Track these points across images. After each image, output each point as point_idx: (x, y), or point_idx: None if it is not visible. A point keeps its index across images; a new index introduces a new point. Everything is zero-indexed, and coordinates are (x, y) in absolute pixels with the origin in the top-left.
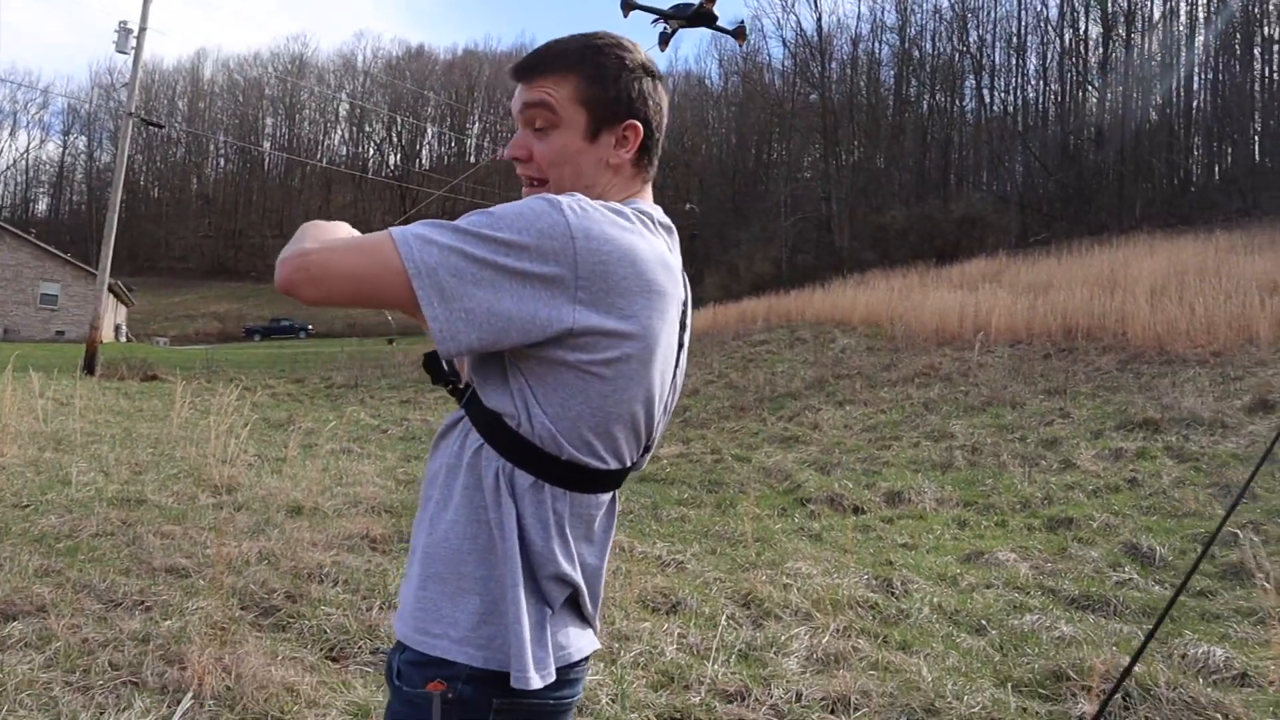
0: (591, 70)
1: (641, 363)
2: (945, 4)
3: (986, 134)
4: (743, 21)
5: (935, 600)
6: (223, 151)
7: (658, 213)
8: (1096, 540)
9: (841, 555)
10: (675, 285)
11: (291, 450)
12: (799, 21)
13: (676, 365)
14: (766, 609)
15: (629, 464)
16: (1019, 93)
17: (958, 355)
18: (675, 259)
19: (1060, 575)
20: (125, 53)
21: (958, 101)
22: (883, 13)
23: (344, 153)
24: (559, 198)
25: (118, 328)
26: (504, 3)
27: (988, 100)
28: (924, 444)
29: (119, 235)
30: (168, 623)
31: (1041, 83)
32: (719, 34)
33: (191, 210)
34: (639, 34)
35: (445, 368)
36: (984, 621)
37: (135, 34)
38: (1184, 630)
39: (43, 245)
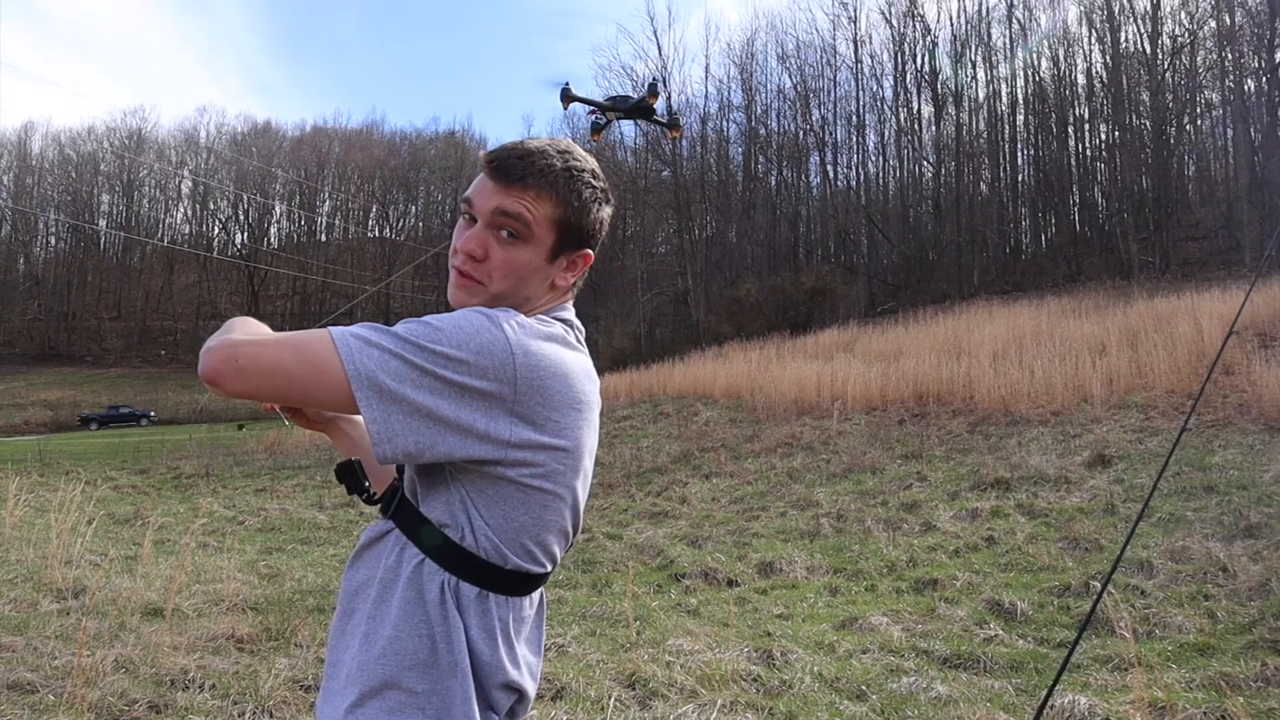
0: (570, 198)
1: (573, 472)
2: (788, 84)
3: (832, 208)
4: (677, 113)
5: (815, 669)
6: (53, 229)
7: (575, 320)
8: (961, 599)
9: (721, 629)
10: (597, 394)
11: (146, 547)
12: None
13: None
14: (652, 688)
15: (558, 562)
16: (860, 168)
17: (817, 424)
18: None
19: (931, 636)
20: None
21: (804, 177)
22: (730, 92)
23: (187, 231)
24: (496, 313)
25: None
26: (354, 80)
27: (831, 175)
28: (791, 513)
29: None
30: None
31: (881, 159)
32: (652, 125)
33: (19, 292)
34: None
35: (362, 477)
36: (864, 687)
37: None
38: (1048, 681)
39: None
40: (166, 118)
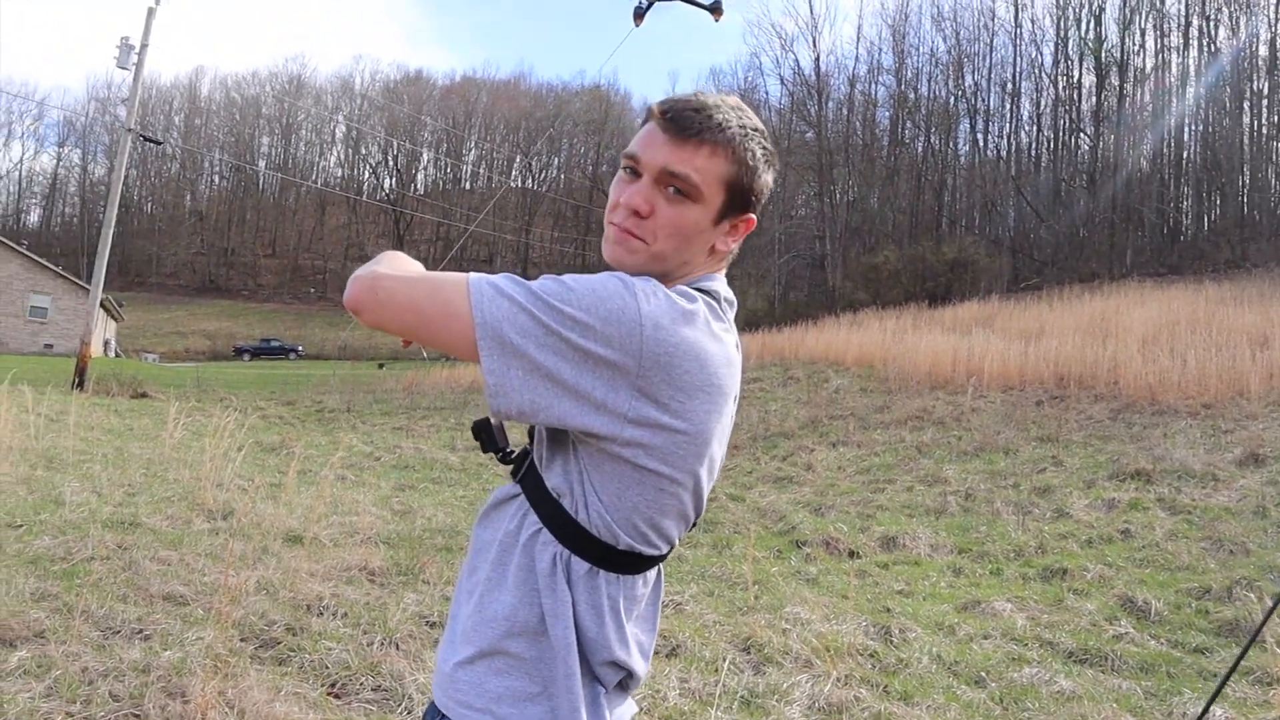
0: (745, 156)
1: (696, 458)
2: (942, 48)
3: (980, 178)
4: None
5: (934, 650)
6: (217, 169)
7: (724, 289)
8: (1091, 592)
9: (839, 601)
10: (735, 380)
11: (290, 476)
12: (797, 60)
13: None
14: (767, 654)
15: (676, 544)
16: (1012, 138)
17: (950, 399)
18: (735, 340)
19: (1057, 627)
20: (125, 69)
21: (952, 144)
22: (880, 55)
23: (339, 174)
24: (635, 282)
25: (107, 343)
26: (503, 31)
27: (981, 144)
28: (918, 488)
29: (111, 249)
30: (168, 653)
31: (1035, 129)
32: (699, 12)
33: (184, 227)
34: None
35: (498, 436)
36: (983, 673)
37: (136, 50)
38: (1182, 689)
39: (34, 257)
40: (324, 64)
